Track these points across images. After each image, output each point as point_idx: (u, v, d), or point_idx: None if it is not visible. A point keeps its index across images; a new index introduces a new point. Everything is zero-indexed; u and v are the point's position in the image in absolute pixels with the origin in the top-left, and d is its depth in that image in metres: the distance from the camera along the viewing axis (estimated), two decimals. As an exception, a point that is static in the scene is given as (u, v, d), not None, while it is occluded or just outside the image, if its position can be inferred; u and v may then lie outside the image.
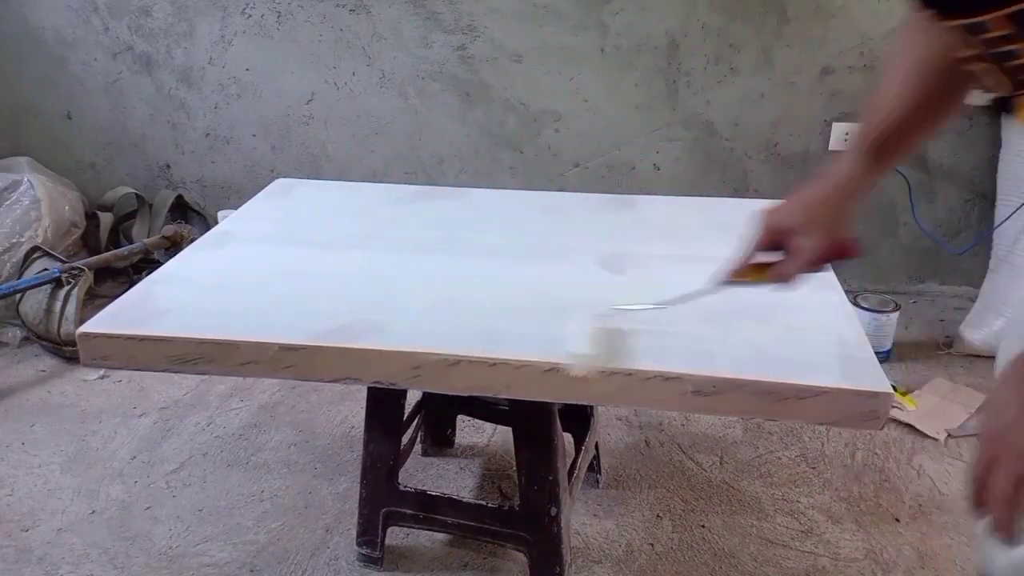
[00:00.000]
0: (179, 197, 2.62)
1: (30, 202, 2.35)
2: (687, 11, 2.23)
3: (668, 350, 0.97)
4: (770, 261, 0.94)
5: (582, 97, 2.37)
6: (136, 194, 2.61)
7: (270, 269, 1.21)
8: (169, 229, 2.49)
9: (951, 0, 0.68)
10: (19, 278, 2.20)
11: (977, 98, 2.15)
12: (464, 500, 1.35)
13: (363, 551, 1.40)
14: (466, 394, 1.41)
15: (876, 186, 0.92)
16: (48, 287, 2.14)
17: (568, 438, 1.48)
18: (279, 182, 1.63)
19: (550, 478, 1.25)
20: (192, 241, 1.37)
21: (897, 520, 1.53)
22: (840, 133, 2.30)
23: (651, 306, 1.02)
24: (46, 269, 2.16)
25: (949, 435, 1.77)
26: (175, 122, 2.59)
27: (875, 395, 0.89)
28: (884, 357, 2.08)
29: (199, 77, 2.52)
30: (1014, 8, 0.64)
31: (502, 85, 2.39)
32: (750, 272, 0.95)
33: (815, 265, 0.91)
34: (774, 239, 0.93)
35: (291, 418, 1.87)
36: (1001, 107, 0.83)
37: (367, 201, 1.53)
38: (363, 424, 1.34)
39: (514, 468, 1.31)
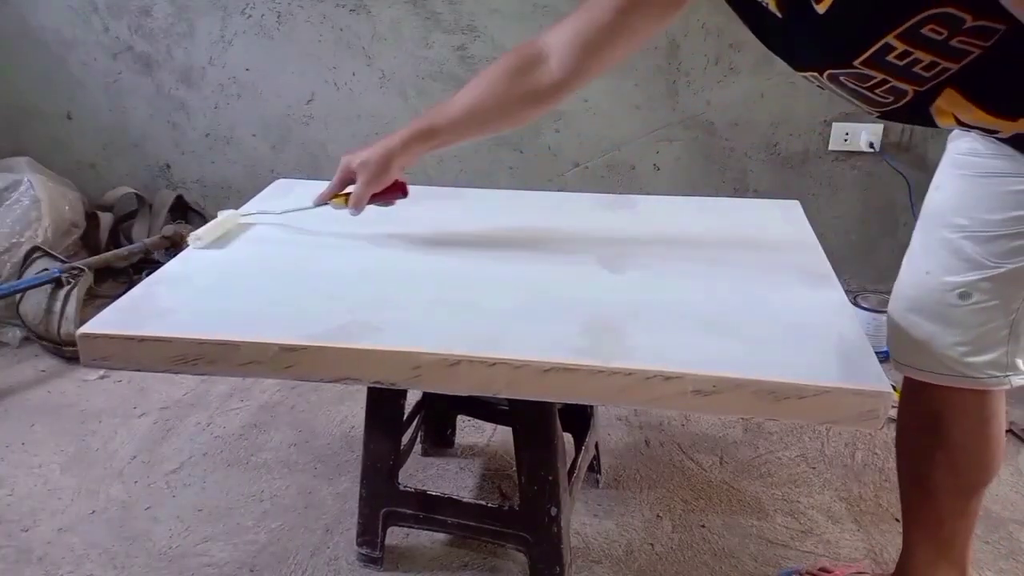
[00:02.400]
0: (179, 197, 2.62)
1: (30, 202, 2.35)
2: (687, 11, 2.22)
3: (668, 350, 0.97)
4: (347, 192, 1.26)
5: (582, 97, 2.37)
6: (136, 194, 2.61)
7: (270, 269, 1.21)
8: (169, 229, 2.49)
9: (846, 51, 0.88)
10: (19, 278, 2.20)
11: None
12: (464, 500, 1.35)
13: (363, 551, 1.40)
14: (466, 394, 1.41)
15: (420, 155, 1.24)
16: (48, 287, 2.14)
17: (568, 438, 1.48)
18: (279, 182, 1.63)
19: (550, 478, 1.25)
20: (192, 241, 1.37)
21: (897, 520, 1.53)
22: (840, 133, 2.30)
23: (272, 212, 1.36)
24: (46, 269, 2.16)
25: (949, 435, 1.77)
26: (175, 122, 2.60)
27: (875, 395, 0.89)
28: (884, 357, 2.07)
29: (199, 77, 2.52)
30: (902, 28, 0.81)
31: (502, 85, 2.39)
32: (337, 198, 1.28)
33: (378, 196, 1.26)
34: (346, 175, 1.25)
35: (291, 418, 1.87)
36: (910, 119, 0.95)
37: (367, 201, 1.53)
38: (363, 424, 1.34)
39: (514, 468, 1.31)
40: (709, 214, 1.44)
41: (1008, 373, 1.05)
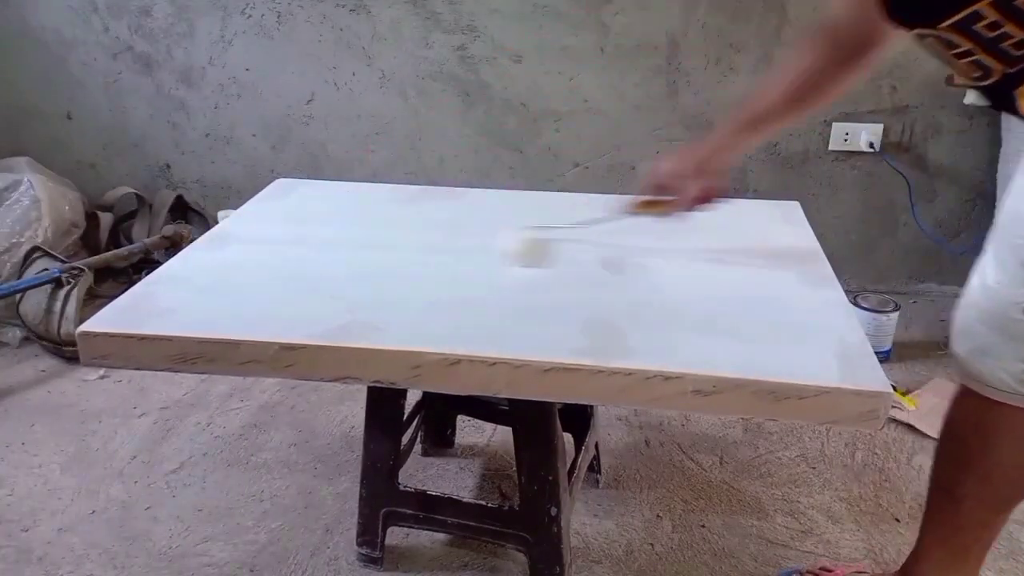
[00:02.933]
0: (179, 197, 2.62)
1: (30, 202, 2.35)
2: (687, 11, 2.23)
3: (668, 350, 0.98)
4: (661, 199, 1.23)
5: (582, 97, 2.37)
6: (136, 194, 2.61)
7: (270, 269, 1.21)
8: (169, 229, 2.49)
9: (935, 8, 0.84)
10: (19, 278, 2.20)
11: (977, 99, 2.15)
12: (464, 500, 1.35)
13: (363, 551, 1.40)
14: (466, 394, 1.41)
15: (741, 152, 1.21)
16: (48, 287, 2.14)
17: (568, 438, 1.48)
18: (279, 182, 1.63)
19: (550, 478, 1.25)
20: (192, 241, 1.37)
21: (897, 520, 1.53)
22: (840, 133, 2.30)
23: (567, 226, 1.29)
24: (46, 269, 2.16)
25: (949, 435, 1.77)
26: (175, 122, 2.59)
27: (875, 395, 0.89)
28: (884, 357, 2.08)
29: (199, 77, 2.52)
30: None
31: (502, 85, 2.39)
32: (646, 207, 1.24)
33: (693, 204, 1.21)
34: (663, 183, 1.21)
35: (291, 418, 1.87)
36: (998, 103, 0.87)
37: (367, 201, 1.53)
38: (363, 424, 1.34)
39: (514, 468, 1.31)
40: (709, 214, 1.44)
41: None
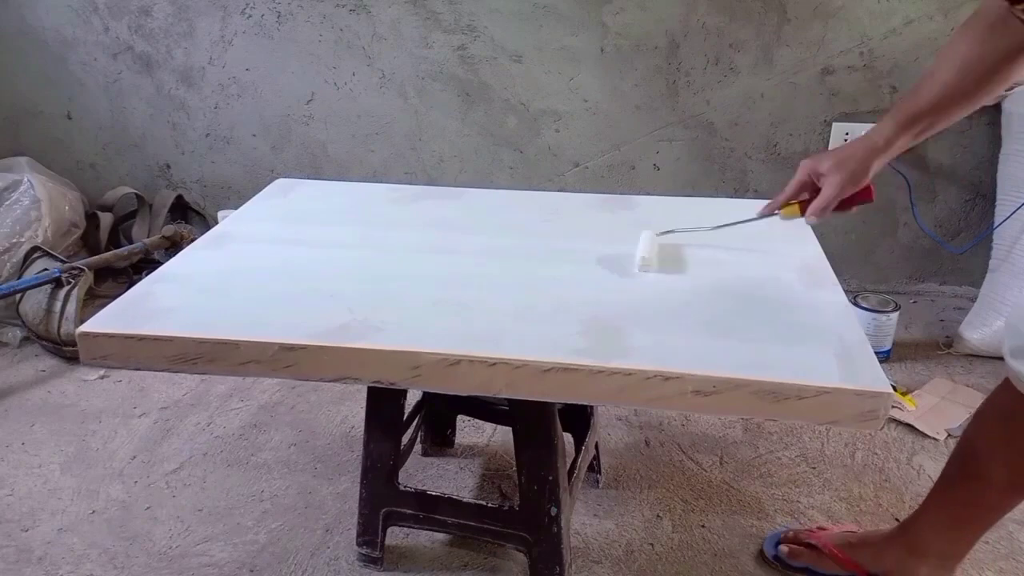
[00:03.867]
0: (179, 197, 2.62)
1: (30, 202, 2.35)
2: (687, 11, 2.23)
3: (668, 350, 0.98)
4: (804, 199, 1.18)
5: (582, 97, 2.37)
6: (136, 194, 2.61)
7: (270, 269, 1.21)
8: (169, 229, 2.50)
9: None
10: (19, 278, 2.20)
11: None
12: (464, 500, 1.35)
13: (363, 551, 1.40)
14: (466, 394, 1.41)
15: (902, 151, 1.11)
16: (48, 287, 2.14)
17: (568, 438, 1.48)
18: (279, 182, 1.63)
19: (550, 478, 1.25)
20: (192, 241, 1.37)
21: (897, 520, 1.53)
22: (840, 133, 2.30)
23: (702, 228, 1.27)
24: (46, 269, 2.16)
25: (949, 435, 1.77)
26: (175, 122, 2.60)
27: (875, 395, 0.89)
28: (884, 357, 2.08)
29: (199, 77, 2.52)
30: None
31: (502, 85, 2.39)
32: (788, 207, 1.20)
33: (837, 205, 1.15)
34: (809, 182, 1.16)
35: (291, 418, 1.87)
36: None
37: (367, 201, 1.53)
38: (363, 424, 1.34)
39: (514, 468, 1.31)
40: (709, 214, 1.44)
41: None
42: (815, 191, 1.16)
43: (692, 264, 1.22)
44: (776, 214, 1.21)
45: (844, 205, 1.16)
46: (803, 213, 1.18)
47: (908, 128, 1.08)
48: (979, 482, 1.17)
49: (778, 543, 1.42)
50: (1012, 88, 2.07)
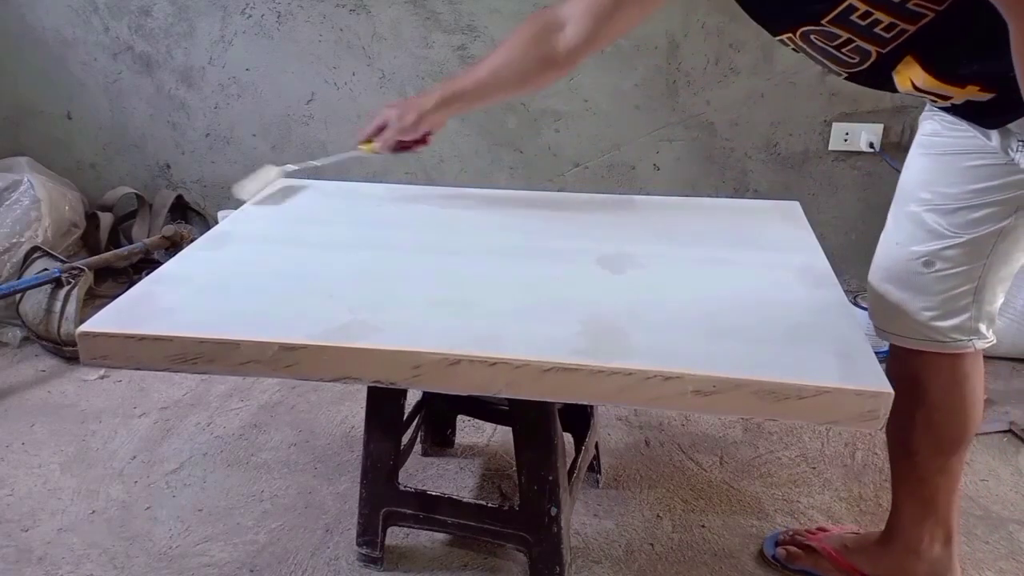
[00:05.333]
0: (179, 197, 2.62)
1: (30, 202, 2.35)
2: (687, 11, 2.23)
3: (668, 350, 0.97)
4: (373, 138, 1.42)
5: (582, 97, 2.37)
6: (136, 194, 2.61)
7: (270, 269, 1.21)
8: (169, 229, 2.49)
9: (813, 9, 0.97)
10: (19, 278, 2.20)
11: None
12: (464, 500, 1.35)
13: (363, 551, 1.40)
14: (466, 394, 1.41)
15: (448, 116, 1.35)
16: (48, 287, 2.14)
17: (568, 438, 1.48)
18: (279, 182, 1.63)
19: (550, 478, 1.25)
20: (192, 241, 1.37)
21: (897, 520, 1.53)
22: (840, 133, 2.30)
23: (310, 164, 1.54)
24: (46, 269, 2.16)
25: (949, 435, 1.77)
26: (175, 122, 2.60)
27: (875, 395, 0.89)
28: (884, 357, 2.08)
29: (199, 77, 2.52)
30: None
31: (502, 85, 2.39)
32: (367, 144, 1.44)
33: (400, 145, 1.40)
34: (380, 123, 1.41)
35: (291, 418, 1.87)
36: (876, 83, 1.05)
37: (367, 201, 1.53)
38: (363, 424, 1.34)
39: (514, 468, 1.31)
40: (709, 214, 1.44)
41: (971, 337, 1.14)
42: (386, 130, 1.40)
43: (692, 264, 1.22)
44: (359, 149, 1.45)
45: (403, 146, 1.41)
46: (374, 148, 1.43)
47: (449, 104, 1.31)
48: (919, 455, 1.22)
49: (775, 544, 1.43)
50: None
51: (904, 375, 1.18)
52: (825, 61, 1.06)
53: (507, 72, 1.25)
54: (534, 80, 1.27)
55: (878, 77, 1.02)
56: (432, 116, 1.33)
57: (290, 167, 1.55)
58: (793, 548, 1.40)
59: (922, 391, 1.18)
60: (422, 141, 1.41)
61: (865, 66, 1.01)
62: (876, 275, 1.20)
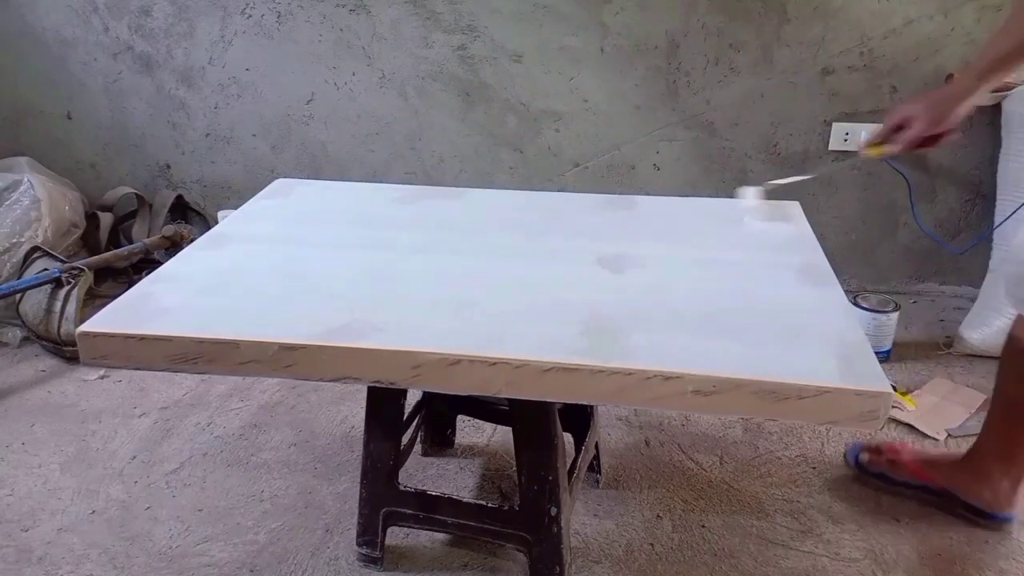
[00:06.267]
0: (179, 197, 2.62)
1: (30, 202, 2.35)
2: (687, 11, 2.23)
3: (668, 349, 0.98)
4: (887, 140, 1.34)
5: (582, 97, 2.38)
6: (136, 194, 2.61)
7: (270, 269, 1.21)
8: (169, 229, 2.50)
9: None
10: (19, 278, 2.20)
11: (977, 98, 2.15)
12: (464, 500, 1.35)
13: (363, 551, 1.40)
14: (466, 394, 1.41)
15: (982, 99, 1.28)
16: (48, 287, 2.14)
17: (568, 438, 1.48)
18: (279, 182, 1.63)
19: (550, 478, 1.25)
20: (192, 241, 1.37)
21: (897, 520, 1.53)
22: (840, 133, 2.30)
23: (803, 177, 1.56)
24: (46, 269, 2.16)
25: (949, 435, 1.77)
26: (175, 122, 2.60)
27: (875, 395, 0.89)
28: (884, 357, 2.08)
29: (199, 77, 2.52)
30: None
31: (502, 85, 2.39)
32: (874, 146, 1.35)
33: (920, 143, 1.30)
34: (900, 126, 1.31)
35: (291, 418, 1.87)
36: None
37: (367, 201, 1.53)
38: (363, 424, 1.34)
39: (514, 468, 1.31)
40: (709, 214, 1.44)
41: None
42: (905, 129, 1.32)
43: (692, 264, 1.22)
44: (864, 153, 1.36)
45: (928, 142, 1.31)
46: (890, 151, 1.34)
47: (984, 79, 1.25)
48: (1020, 405, 1.39)
49: (859, 451, 1.63)
50: (1012, 87, 2.07)
51: None
52: None
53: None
54: None
55: None
56: (969, 98, 1.26)
57: (775, 183, 1.50)
58: (875, 454, 1.61)
59: None
60: (946, 134, 1.32)
61: None
62: (1017, 252, 1.33)
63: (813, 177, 1.60)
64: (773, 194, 1.48)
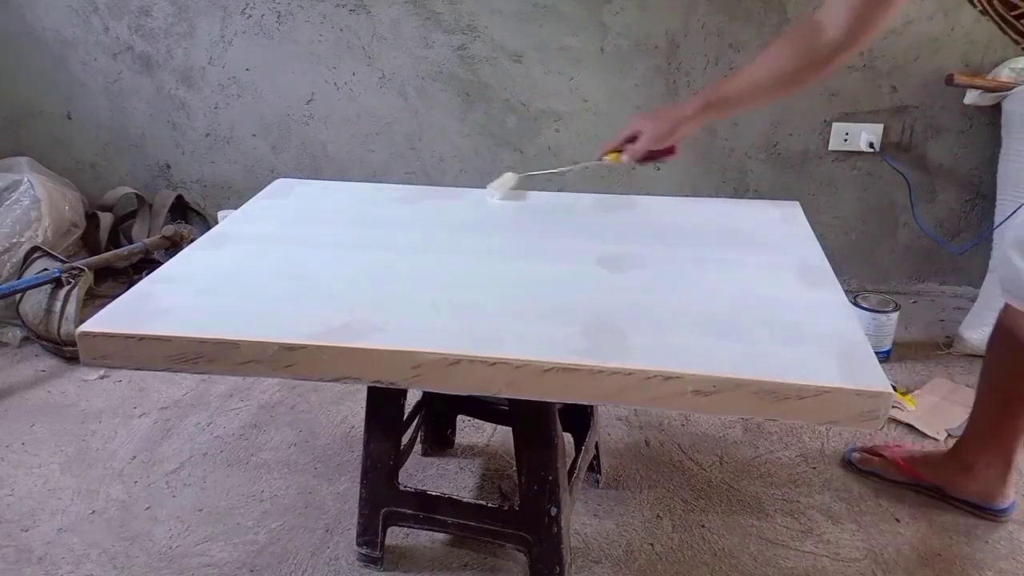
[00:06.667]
0: (179, 197, 2.62)
1: (30, 202, 2.35)
2: (687, 11, 2.23)
3: (668, 350, 0.98)
4: (622, 148, 1.43)
5: (582, 97, 2.38)
6: (136, 194, 2.61)
7: (270, 269, 1.21)
8: (169, 229, 2.49)
9: None
10: (19, 278, 2.20)
11: (977, 98, 2.15)
12: (464, 500, 1.35)
13: (363, 551, 1.40)
14: (466, 394, 1.41)
15: (705, 123, 1.38)
16: (48, 287, 2.14)
17: (568, 438, 1.48)
18: (279, 182, 1.63)
19: (550, 478, 1.25)
20: (192, 241, 1.37)
21: (897, 520, 1.53)
22: (840, 133, 2.30)
23: (551, 171, 1.58)
24: (46, 269, 2.16)
25: (949, 435, 1.77)
26: (175, 122, 2.60)
27: (875, 395, 0.89)
28: (884, 357, 2.08)
29: (199, 77, 2.52)
30: None
31: (502, 85, 2.39)
32: (611, 154, 1.44)
33: (646, 156, 1.40)
34: (630, 135, 1.41)
35: (291, 418, 1.87)
36: None
37: (367, 201, 1.53)
38: (363, 424, 1.34)
39: (514, 468, 1.31)
40: (709, 214, 1.44)
41: None
42: (635, 141, 1.41)
43: (692, 264, 1.22)
44: (603, 159, 1.45)
45: (652, 156, 1.41)
46: (621, 160, 1.43)
47: (713, 108, 1.34)
48: (1003, 394, 1.41)
49: (853, 451, 1.67)
50: (1011, 87, 2.07)
51: (1016, 331, 1.36)
52: (1005, 28, 1.14)
53: (770, 81, 1.28)
54: (797, 85, 1.28)
55: None
56: (690, 123, 1.35)
57: (529, 174, 1.58)
58: (866, 454, 1.64)
59: None
60: (670, 151, 1.41)
61: None
62: (1005, 250, 1.36)
63: (568, 171, 1.66)
64: (528, 183, 1.55)
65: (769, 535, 1.49)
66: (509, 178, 1.55)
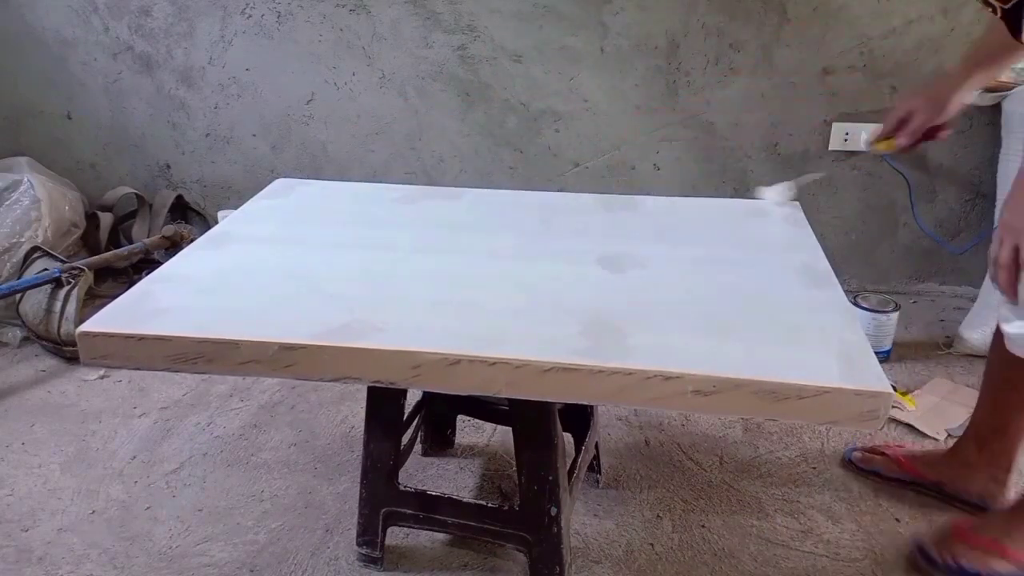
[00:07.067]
0: (179, 197, 2.62)
1: (30, 202, 2.35)
2: (687, 11, 2.23)
3: (668, 350, 0.98)
4: (893, 135, 1.37)
5: (582, 97, 2.38)
6: (136, 194, 2.61)
7: (270, 269, 1.21)
8: (169, 229, 2.49)
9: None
10: (19, 278, 2.20)
11: (977, 98, 2.15)
12: (464, 500, 1.35)
13: (363, 551, 1.40)
14: (466, 394, 1.41)
15: (980, 85, 1.33)
16: (48, 287, 2.14)
17: (568, 438, 1.48)
18: (279, 182, 1.63)
19: (550, 478, 1.25)
20: (192, 241, 1.37)
21: (897, 520, 1.53)
22: (840, 133, 2.30)
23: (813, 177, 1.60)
24: (46, 269, 2.16)
25: (949, 435, 1.77)
26: (175, 122, 2.60)
27: (875, 395, 0.89)
28: (884, 357, 2.08)
29: (199, 77, 2.52)
30: None
31: (502, 85, 2.39)
32: (881, 142, 1.39)
33: (920, 137, 1.35)
34: (903, 116, 1.36)
35: (291, 418, 1.87)
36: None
37: (367, 201, 1.53)
38: (363, 424, 1.34)
39: (514, 468, 1.31)
40: (709, 214, 1.44)
41: None
42: (909, 123, 1.37)
43: (692, 264, 1.22)
44: (873, 148, 1.41)
45: (930, 134, 1.36)
46: (895, 146, 1.38)
47: (980, 68, 1.30)
48: (1004, 395, 1.42)
49: (854, 451, 1.68)
50: (1011, 87, 2.07)
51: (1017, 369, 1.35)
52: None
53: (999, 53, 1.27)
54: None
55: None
56: (961, 90, 1.31)
57: (810, 177, 1.58)
58: (867, 453, 1.65)
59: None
60: (942, 127, 1.37)
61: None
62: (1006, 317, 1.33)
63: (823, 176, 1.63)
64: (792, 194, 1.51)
65: (769, 535, 1.49)
66: (788, 185, 1.51)
